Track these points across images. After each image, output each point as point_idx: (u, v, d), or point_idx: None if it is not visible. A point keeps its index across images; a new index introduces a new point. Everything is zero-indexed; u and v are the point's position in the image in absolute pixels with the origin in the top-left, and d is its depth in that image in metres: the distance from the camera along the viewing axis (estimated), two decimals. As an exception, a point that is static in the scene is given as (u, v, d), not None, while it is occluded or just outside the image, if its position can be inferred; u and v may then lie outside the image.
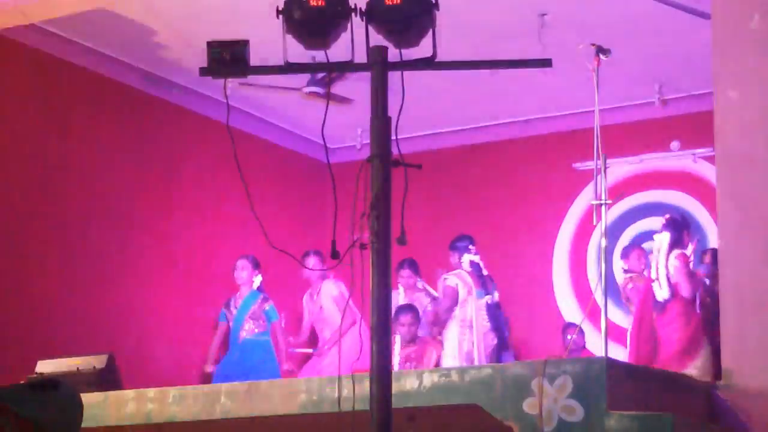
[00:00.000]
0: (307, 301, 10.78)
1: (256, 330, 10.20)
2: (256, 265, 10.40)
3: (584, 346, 10.60)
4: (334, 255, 3.94)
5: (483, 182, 12.50)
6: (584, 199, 11.67)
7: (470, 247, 10.11)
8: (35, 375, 7.08)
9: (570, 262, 12.05)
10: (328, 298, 10.51)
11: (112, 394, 6.68)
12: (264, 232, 4.13)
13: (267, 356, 10.28)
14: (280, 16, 4.06)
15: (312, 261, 10.39)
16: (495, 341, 10.06)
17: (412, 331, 9.62)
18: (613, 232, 10.22)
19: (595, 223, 7.21)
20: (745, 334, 6.36)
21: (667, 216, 9.42)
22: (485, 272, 10.15)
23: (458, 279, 9.88)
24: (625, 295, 9.84)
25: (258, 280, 10.40)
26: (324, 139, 4.25)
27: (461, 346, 9.71)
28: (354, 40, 4.04)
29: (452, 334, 9.76)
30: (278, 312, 10.51)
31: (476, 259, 10.08)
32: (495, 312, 10.16)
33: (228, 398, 6.29)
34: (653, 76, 11.17)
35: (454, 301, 9.79)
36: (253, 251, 11.07)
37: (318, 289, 10.62)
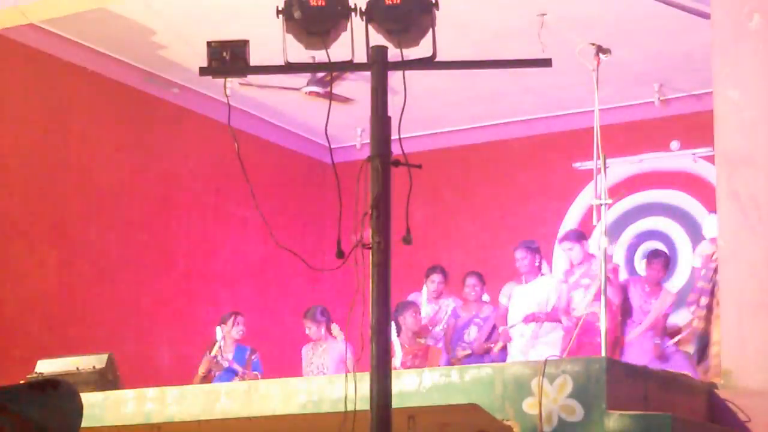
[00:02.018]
0: (307, 353, 10.00)
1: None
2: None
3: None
4: (339, 254, 3.94)
5: (483, 182, 12.50)
6: (584, 199, 11.66)
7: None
8: (35, 375, 7.07)
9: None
10: (333, 359, 9.80)
11: (112, 394, 6.67)
12: (269, 230, 4.15)
13: None
14: (280, 16, 4.06)
15: (319, 317, 9.82)
16: None
17: (418, 320, 9.76)
18: (613, 232, 10.21)
19: (595, 223, 7.20)
20: (745, 335, 6.35)
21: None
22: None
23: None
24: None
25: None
26: (328, 139, 4.25)
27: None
28: (354, 40, 4.03)
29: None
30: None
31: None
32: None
33: (228, 398, 6.29)
34: (653, 76, 11.17)
35: None
36: (252, 251, 11.06)
37: (323, 346, 9.87)
